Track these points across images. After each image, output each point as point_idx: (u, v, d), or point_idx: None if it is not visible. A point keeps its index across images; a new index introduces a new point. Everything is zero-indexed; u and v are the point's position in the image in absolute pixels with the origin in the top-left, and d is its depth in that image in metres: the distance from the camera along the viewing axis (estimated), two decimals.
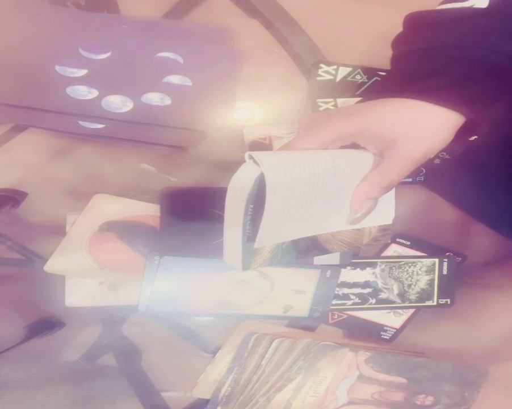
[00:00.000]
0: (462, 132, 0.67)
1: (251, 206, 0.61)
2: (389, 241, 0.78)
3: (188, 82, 0.92)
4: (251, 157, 0.61)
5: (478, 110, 0.66)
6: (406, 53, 0.71)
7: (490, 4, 0.70)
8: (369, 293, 0.76)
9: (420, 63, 0.69)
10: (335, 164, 0.65)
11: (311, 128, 0.67)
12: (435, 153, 0.67)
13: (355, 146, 0.68)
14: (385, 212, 0.70)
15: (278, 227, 0.64)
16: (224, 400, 0.69)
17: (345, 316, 0.76)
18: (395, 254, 0.79)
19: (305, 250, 0.67)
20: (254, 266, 0.64)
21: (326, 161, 0.64)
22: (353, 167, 0.66)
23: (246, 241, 0.63)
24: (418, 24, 0.73)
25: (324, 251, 0.68)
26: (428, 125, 0.65)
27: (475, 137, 0.71)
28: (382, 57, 0.76)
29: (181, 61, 0.94)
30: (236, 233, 0.62)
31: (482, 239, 0.83)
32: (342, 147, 0.67)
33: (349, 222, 0.67)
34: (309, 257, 0.70)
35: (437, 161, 0.85)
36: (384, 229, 0.71)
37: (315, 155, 0.64)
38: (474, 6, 0.70)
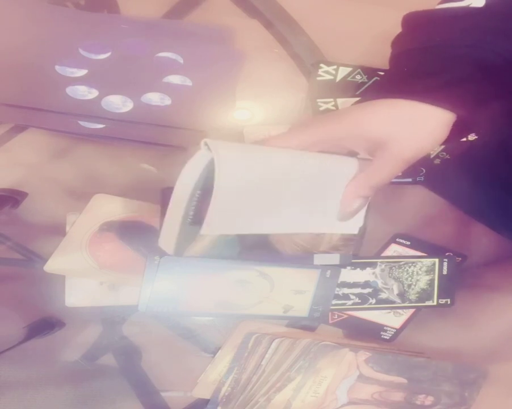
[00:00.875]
0: (458, 131, 0.67)
1: (199, 192, 0.61)
2: (351, 253, 0.74)
3: (188, 82, 0.92)
4: (206, 144, 0.61)
5: (471, 109, 0.66)
6: (402, 53, 0.71)
7: (486, 4, 0.70)
8: (369, 293, 0.76)
9: (415, 63, 0.69)
10: (310, 165, 0.64)
11: (297, 128, 0.67)
12: (426, 152, 0.67)
13: (349, 150, 0.68)
14: (352, 221, 0.68)
15: (232, 217, 0.63)
16: (224, 400, 0.69)
17: (345, 316, 0.76)
18: (395, 254, 0.79)
19: (250, 246, 0.66)
20: (188, 252, 0.64)
21: (299, 160, 0.64)
22: (336, 171, 0.66)
23: (189, 225, 0.62)
24: (414, 24, 0.73)
25: (272, 251, 0.68)
26: (419, 125, 0.65)
27: (475, 137, 0.71)
28: (382, 57, 0.76)
29: (181, 61, 0.94)
30: (176, 217, 0.62)
31: (482, 239, 0.83)
32: (332, 151, 0.67)
33: (338, 218, 0.67)
34: (253, 255, 0.69)
35: (437, 161, 0.85)
36: (347, 238, 0.70)
37: (285, 153, 0.64)
38: (471, 6, 0.70)
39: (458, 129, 0.67)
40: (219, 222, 0.62)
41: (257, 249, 0.67)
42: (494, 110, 0.69)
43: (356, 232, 0.70)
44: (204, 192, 0.61)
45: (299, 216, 0.66)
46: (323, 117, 0.70)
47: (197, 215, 0.61)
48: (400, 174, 0.68)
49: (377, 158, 0.66)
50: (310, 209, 0.67)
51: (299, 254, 0.71)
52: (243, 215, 0.63)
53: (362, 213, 0.69)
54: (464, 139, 0.81)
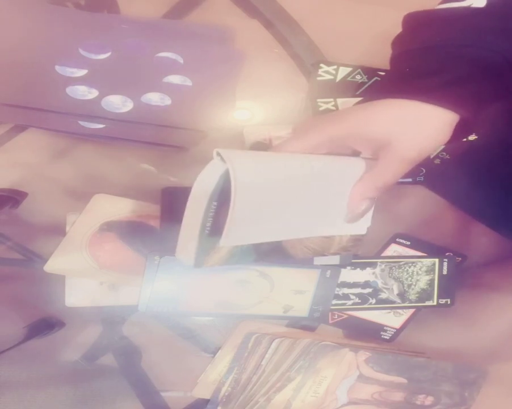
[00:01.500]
0: (459, 131, 0.67)
1: (215, 203, 0.61)
2: (359, 253, 0.74)
3: (188, 82, 0.92)
4: (218, 154, 0.61)
5: (473, 109, 0.66)
6: (403, 52, 0.71)
7: (487, 4, 0.70)
8: (369, 293, 0.76)
9: (416, 62, 0.69)
10: (317, 169, 0.64)
11: (301, 130, 0.67)
12: (430, 152, 0.67)
13: (353, 150, 0.68)
14: (361, 221, 0.69)
15: (249, 227, 0.63)
16: (224, 400, 0.69)
17: (345, 316, 0.76)
18: (395, 254, 0.79)
19: (265, 253, 0.66)
20: (207, 263, 0.64)
21: (306, 164, 0.64)
22: (342, 173, 0.66)
23: (206, 237, 0.62)
24: (415, 24, 0.73)
25: (287, 256, 0.68)
26: (422, 125, 0.65)
27: (475, 137, 0.71)
28: (382, 57, 0.76)
29: (181, 61, 0.94)
30: (194, 229, 0.61)
31: (482, 239, 0.83)
32: (336, 151, 0.67)
33: (347, 221, 0.67)
34: (268, 261, 0.69)
35: (437, 161, 0.85)
36: (356, 239, 0.70)
37: (293, 159, 0.64)
38: (472, 6, 0.70)
39: (460, 130, 0.67)
40: (237, 233, 0.62)
41: (272, 255, 0.67)
42: (494, 110, 0.69)
43: (364, 232, 0.70)
44: (220, 203, 0.61)
45: (311, 219, 0.67)
46: (327, 118, 0.69)
47: (214, 226, 0.61)
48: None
49: (381, 159, 0.66)
50: (320, 212, 0.67)
51: (310, 257, 0.71)
52: (259, 224, 0.63)
53: (370, 213, 0.69)
54: (464, 139, 0.81)
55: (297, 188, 0.64)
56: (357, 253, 0.72)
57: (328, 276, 0.74)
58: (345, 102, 0.91)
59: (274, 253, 0.67)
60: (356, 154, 0.68)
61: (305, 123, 0.70)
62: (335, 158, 0.66)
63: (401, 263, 0.77)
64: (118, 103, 0.88)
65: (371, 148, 0.66)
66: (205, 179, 0.61)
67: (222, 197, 0.61)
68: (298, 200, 0.65)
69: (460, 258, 0.80)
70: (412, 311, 0.77)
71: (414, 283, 0.77)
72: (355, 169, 0.67)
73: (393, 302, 0.76)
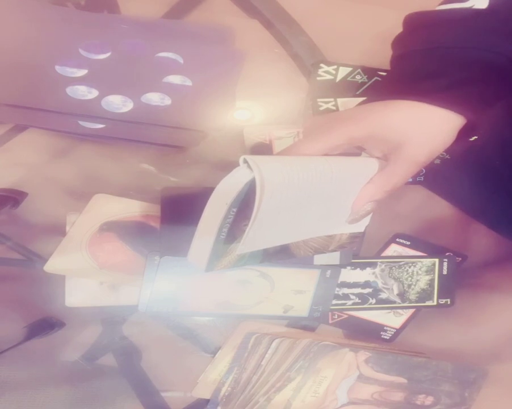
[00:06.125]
0: (462, 133, 0.67)
1: (234, 209, 0.60)
2: (356, 250, 0.75)
3: (188, 82, 0.92)
4: (245, 161, 0.60)
5: (479, 111, 0.66)
6: (405, 53, 0.71)
7: (489, 5, 0.70)
8: (369, 293, 0.76)
9: (420, 64, 0.69)
10: (336, 171, 0.64)
11: (317, 132, 0.66)
12: (437, 154, 0.67)
13: (361, 150, 0.67)
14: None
15: (265, 234, 0.63)
16: (224, 400, 0.69)
17: (345, 316, 0.76)
18: (395, 254, 0.79)
19: (272, 254, 0.66)
20: (217, 267, 0.64)
21: (327, 167, 0.64)
22: (356, 174, 0.66)
23: (221, 243, 0.62)
24: (417, 25, 0.73)
25: (291, 256, 0.68)
26: (431, 127, 0.65)
27: (475, 137, 0.71)
28: (382, 57, 0.76)
29: (181, 61, 0.94)
30: (210, 234, 0.61)
31: (482, 239, 0.83)
32: (347, 151, 0.67)
33: (349, 221, 0.68)
34: (273, 261, 0.69)
35: (437, 161, 0.85)
36: (353, 236, 0.70)
37: (315, 163, 0.64)
38: (474, 7, 0.70)
39: (464, 132, 0.67)
40: (255, 239, 0.62)
41: (277, 256, 0.67)
42: (494, 110, 0.69)
43: (362, 230, 0.70)
44: (239, 209, 0.60)
45: (320, 220, 0.67)
46: (342, 118, 0.68)
47: (230, 232, 0.61)
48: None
49: (393, 161, 0.65)
50: (330, 212, 0.67)
51: (311, 256, 0.71)
52: (276, 229, 0.64)
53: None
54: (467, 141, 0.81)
55: (315, 193, 0.64)
56: (354, 249, 0.73)
57: (328, 276, 0.74)
58: (346, 102, 0.91)
59: (279, 254, 0.67)
60: (359, 154, 0.68)
61: (317, 124, 0.69)
62: (350, 159, 0.66)
63: (401, 263, 0.77)
64: (118, 103, 0.88)
65: (383, 149, 0.66)
66: (228, 185, 0.60)
67: (242, 204, 0.60)
68: (314, 203, 0.65)
69: (460, 258, 0.80)
70: (412, 311, 0.77)
71: (414, 283, 0.77)
72: (367, 170, 0.66)
73: (393, 302, 0.76)
